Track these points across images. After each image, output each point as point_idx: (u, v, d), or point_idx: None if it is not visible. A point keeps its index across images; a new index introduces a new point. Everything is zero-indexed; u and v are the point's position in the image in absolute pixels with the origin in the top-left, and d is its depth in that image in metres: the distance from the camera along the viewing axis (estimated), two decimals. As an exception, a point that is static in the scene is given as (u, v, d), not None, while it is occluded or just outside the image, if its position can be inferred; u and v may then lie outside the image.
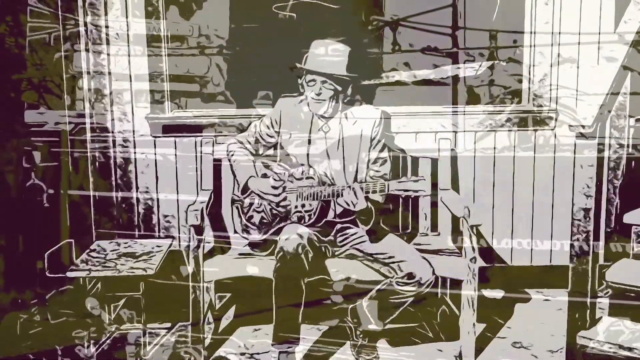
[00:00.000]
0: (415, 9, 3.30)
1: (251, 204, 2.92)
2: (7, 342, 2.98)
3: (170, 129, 3.36)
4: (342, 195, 2.81)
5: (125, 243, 3.23)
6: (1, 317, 3.11)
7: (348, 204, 2.80)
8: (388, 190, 2.76)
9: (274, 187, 2.87)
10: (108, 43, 3.29)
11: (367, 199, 2.79)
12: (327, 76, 2.82)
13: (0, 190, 3.18)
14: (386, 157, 2.95)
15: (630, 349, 2.71)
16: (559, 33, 3.24)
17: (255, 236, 2.93)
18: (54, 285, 3.22)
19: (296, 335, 2.80)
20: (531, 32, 3.26)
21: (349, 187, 2.80)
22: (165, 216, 3.42)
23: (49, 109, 3.27)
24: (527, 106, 3.33)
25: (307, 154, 2.92)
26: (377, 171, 2.92)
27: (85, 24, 3.26)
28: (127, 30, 3.29)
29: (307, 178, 2.89)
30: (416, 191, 2.73)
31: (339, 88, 2.84)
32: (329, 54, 2.84)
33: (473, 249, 2.77)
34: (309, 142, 2.92)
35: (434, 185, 3.05)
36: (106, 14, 3.27)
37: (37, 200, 3.29)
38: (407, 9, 3.31)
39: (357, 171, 2.90)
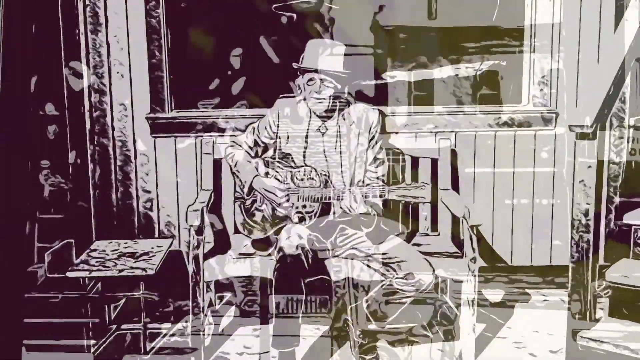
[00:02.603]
0: (417, 8, 3.30)
1: (253, 202, 2.92)
2: (10, 345, 2.98)
3: (170, 129, 3.36)
4: (342, 198, 2.81)
5: (125, 243, 3.23)
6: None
7: (348, 208, 2.80)
8: (388, 196, 2.77)
9: (279, 189, 2.87)
10: (108, 44, 3.29)
11: (367, 203, 2.80)
12: (326, 73, 2.82)
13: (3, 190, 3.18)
14: (383, 158, 2.96)
15: (630, 349, 2.72)
16: (559, 33, 3.24)
17: (257, 234, 2.93)
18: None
19: (296, 335, 2.80)
20: (531, 32, 3.26)
21: (349, 191, 2.80)
22: (166, 216, 3.43)
23: (53, 109, 3.28)
24: (527, 106, 3.33)
25: (305, 154, 2.92)
26: (374, 172, 2.92)
27: (85, 23, 3.26)
28: (127, 29, 3.29)
29: (309, 179, 2.89)
30: (416, 198, 2.73)
31: (339, 86, 2.85)
32: (326, 53, 2.85)
33: (473, 249, 2.77)
34: (307, 142, 2.92)
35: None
36: (106, 12, 3.27)
37: (40, 199, 3.30)
38: (408, 8, 3.30)
39: (354, 172, 2.90)
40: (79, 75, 3.26)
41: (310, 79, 2.85)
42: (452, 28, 3.28)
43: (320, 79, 2.83)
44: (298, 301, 2.75)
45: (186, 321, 2.99)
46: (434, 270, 2.78)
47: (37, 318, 3.04)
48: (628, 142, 3.22)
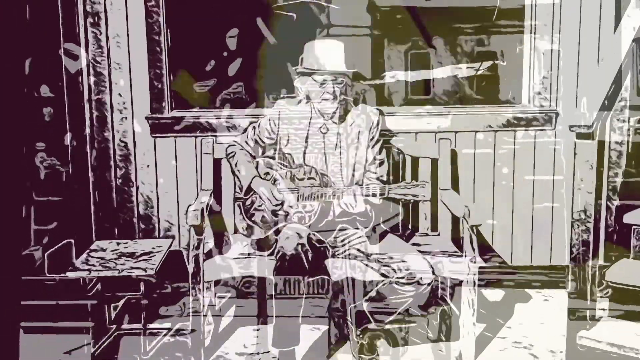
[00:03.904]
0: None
1: (253, 202, 2.92)
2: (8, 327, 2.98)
3: (170, 129, 3.36)
4: (341, 197, 2.81)
5: (125, 243, 3.23)
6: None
7: (347, 206, 2.81)
8: (387, 194, 2.77)
9: (274, 197, 2.87)
10: (108, 40, 3.29)
11: (366, 202, 2.80)
12: (338, 74, 2.82)
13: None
14: (384, 158, 2.96)
15: (630, 349, 2.72)
16: (559, 33, 3.24)
17: (257, 234, 2.93)
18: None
19: (296, 335, 2.80)
20: (531, 32, 3.27)
21: (349, 189, 2.80)
22: (165, 216, 3.43)
23: (48, 91, 3.26)
24: (527, 106, 3.33)
25: (305, 154, 2.92)
26: (374, 172, 2.92)
27: (85, 22, 3.26)
28: (127, 27, 3.29)
29: (309, 179, 2.89)
30: (416, 196, 2.73)
31: (346, 86, 2.86)
32: (327, 52, 2.85)
33: (473, 249, 2.77)
34: (307, 142, 2.92)
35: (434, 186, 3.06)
36: (106, 10, 3.26)
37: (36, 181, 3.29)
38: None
39: (354, 171, 2.91)
40: (75, 57, 3.24)
41: (324, 81, 2.84)
42: (449, 8, 3.28)
43: (332, 80, 2.83)
44: (296, 282, 2.75)
45: (186, 321, 2.99)
46: (433, 270, 2.78)
47: (35, 300, 3.04)
48: (628, 141, 3.22)
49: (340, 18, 3.22)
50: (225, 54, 3.32)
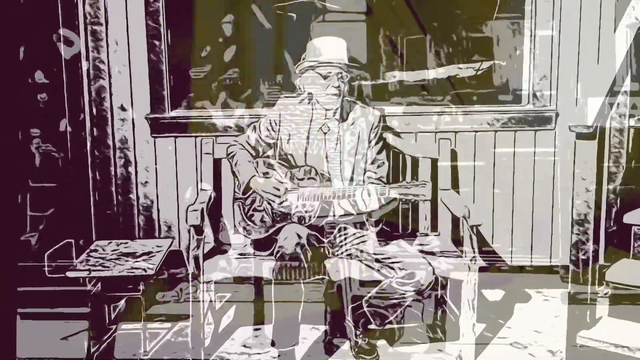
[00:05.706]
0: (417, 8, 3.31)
1: (252, 202, 2.92)
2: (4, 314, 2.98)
3: (170, 129, 3.37)
4: (342, 197, 2.81)
5: (125, 243, 3.23)
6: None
7: (363, 202, 2.80)
8: (388, 195, 2.77)
9: (276, 189, 2.86)
10: (108, 44, 3.29)
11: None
12: (343, 66, 2.82)
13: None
14: (384, 159, 2.96)
15: (629, 349, 2.72)
16: (559, 32, 3.24)
17: (256, 235, 2.93)
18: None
19: (296, 335, 2.80)
20: (531, 32, 3.27)
21: (349, 189, 2.80)
22: (165, 217, 3.43)
23: (42, 77, 3.26)
24: (527, 106, 3.33)
25: (305, 154, 2.92)
26: (374, 172, 2.92)
27: (85, 22, 3.26)
28: (127, 27, 3.29)
29: (309, 179, 2.89)
30: (417, 195, 2.74)
31: (348, 83, 2.87)
32: (335, 47, 2.85)
33: (473, 249, 2.77)
34: (308, 142, 2.92)
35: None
36: (106, 9, 3.26)
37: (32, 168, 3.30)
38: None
39: (354, 172, 2.90)
40: (70, 43, 3.23)
41: (328, 73, 2.84)
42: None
43: (336, 73, 2.83)
44: (292, 268, 2.74)
45: (179, 295, 2.99)
46: (433, 270, 2.78)
47: (31, 286, 3.04)
48: (628, 141, 3.23)
49: (336, 3, 3.21)
50: (220, 39, 3.32)
